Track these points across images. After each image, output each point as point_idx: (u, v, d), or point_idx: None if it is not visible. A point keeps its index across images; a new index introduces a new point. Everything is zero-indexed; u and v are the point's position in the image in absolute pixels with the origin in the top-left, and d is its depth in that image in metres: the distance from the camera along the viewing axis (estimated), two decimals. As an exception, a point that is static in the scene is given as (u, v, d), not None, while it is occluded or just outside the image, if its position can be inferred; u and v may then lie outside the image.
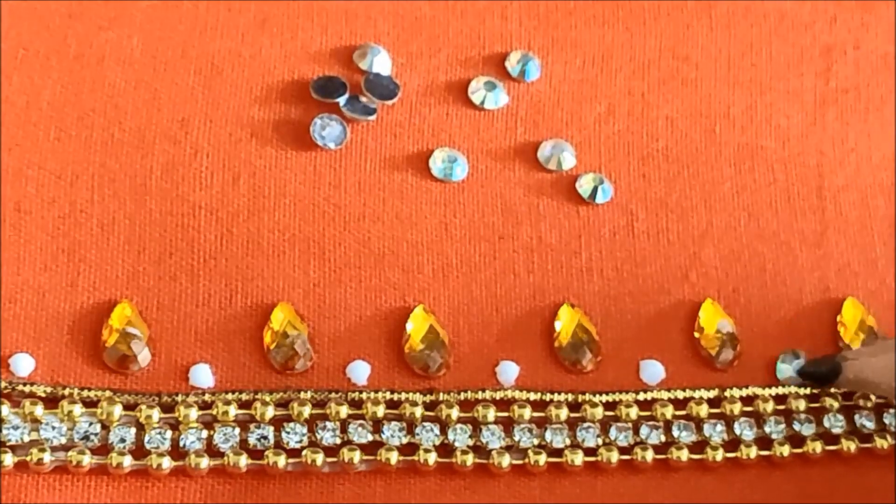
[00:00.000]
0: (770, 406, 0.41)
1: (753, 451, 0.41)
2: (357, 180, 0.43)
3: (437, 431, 0.40)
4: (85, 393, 0.39)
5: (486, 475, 0.40)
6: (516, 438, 0.40)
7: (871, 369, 0.39)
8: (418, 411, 0.40)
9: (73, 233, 0.41)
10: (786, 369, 0.42)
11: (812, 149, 0.46)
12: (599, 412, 0.41)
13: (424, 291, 0.42)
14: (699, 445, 0.41)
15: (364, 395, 0.40)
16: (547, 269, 0.43)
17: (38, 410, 0.39)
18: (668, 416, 0.41)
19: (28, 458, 0.38)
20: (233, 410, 0.40)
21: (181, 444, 0.39)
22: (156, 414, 0.39)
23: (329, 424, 0.40)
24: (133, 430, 0.39)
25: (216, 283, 0.41)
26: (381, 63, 0.44)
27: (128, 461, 0.39)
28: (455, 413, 0.40)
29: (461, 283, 0.42)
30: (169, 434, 0.39)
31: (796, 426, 0.42)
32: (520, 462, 0.40)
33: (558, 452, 0.40)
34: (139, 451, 0.39)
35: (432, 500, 0.40)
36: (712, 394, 0.41)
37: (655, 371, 0.42)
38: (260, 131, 0.43)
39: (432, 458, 0.40)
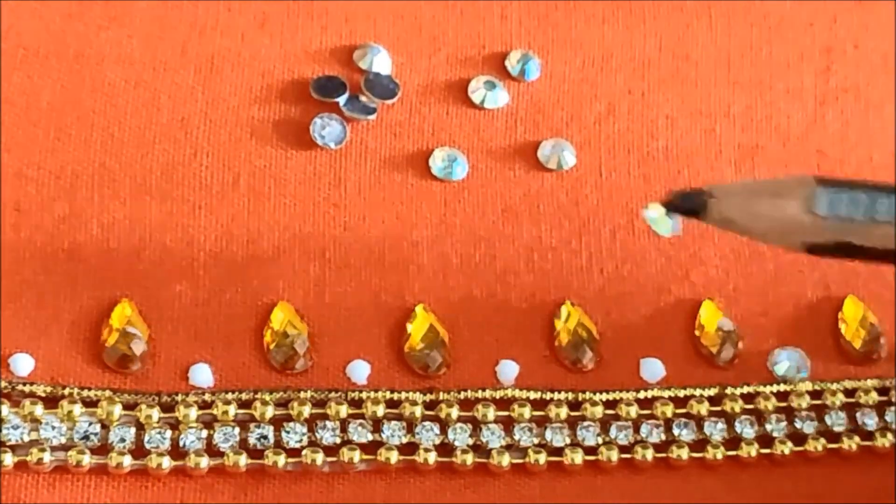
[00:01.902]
0: (771, 404, 0.41)
1: (754, 450, 0.41)
2: (357, 180, 0.43)
3: (436, 431, 0.40)
4: (85, 393, 0.39)
5: (486, 474, 0.40)
6: (516, 437, 0.40)
7: (738, 211, 0.37)
8: (418, 411, 0.40)
9: (73, 233, 0.41)
10: (784, 367, 0.42)
11: (812, 148, 0.45)
12: (600, 411, 0.41)
13: (424, 291, 0.42)
14: (700, 444, 0.41)
15: (364, 395, 0.40)
16: (547, 269, 0.43)
17: (38, 410, 0.39)
18: (669, 415, 0.41)
19: (28, 458, 0.38)
20: (232, 410, 0.40)
21: (181, 443, 0.39)
22: (156, 414, 0.39)
23: (329, 424, 0.40)
24: (133, 430, 0.39)
25: (216, 283, 0.41)
26: (381, 63, 0.44)
27: (128, 461, 0.39)
28: (455, 412, 0.40)
29: (461, 282, 0.42)
30: (169, 434, 0.39)
31: (797, 424, 0.42)
32: (520, 461, 0.40)
33: (558, 451, 0.40)
34: (139, 451, 0.39)
35: (432, 500, 0.40)
36: (713, 392, 0.41)
37: (656, 369, 0.42)
38: (260, 131, 0.43)
39: (432, 457, 0.40)
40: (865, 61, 0.47)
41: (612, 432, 0.41)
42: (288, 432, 0.40)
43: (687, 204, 0.37)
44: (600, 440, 0.41)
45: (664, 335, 0.42)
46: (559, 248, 0.43)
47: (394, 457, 0.40)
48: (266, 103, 0.43)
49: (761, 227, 0.37)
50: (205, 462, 0.39)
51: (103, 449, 0.39)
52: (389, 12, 0.45)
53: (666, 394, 0.41)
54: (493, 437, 0.40)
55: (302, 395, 0.40)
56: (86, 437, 0.39)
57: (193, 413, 0.39)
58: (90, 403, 0.39)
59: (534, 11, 0.46)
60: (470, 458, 0.40)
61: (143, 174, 0.42)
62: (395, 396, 0.40)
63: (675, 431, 0.41)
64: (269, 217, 0.42)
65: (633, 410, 0.41)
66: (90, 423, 0.39)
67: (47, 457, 0.38)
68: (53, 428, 0.39)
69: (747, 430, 0.41)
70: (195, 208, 0.42)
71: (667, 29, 0.46)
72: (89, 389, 0.39)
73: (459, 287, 0.42)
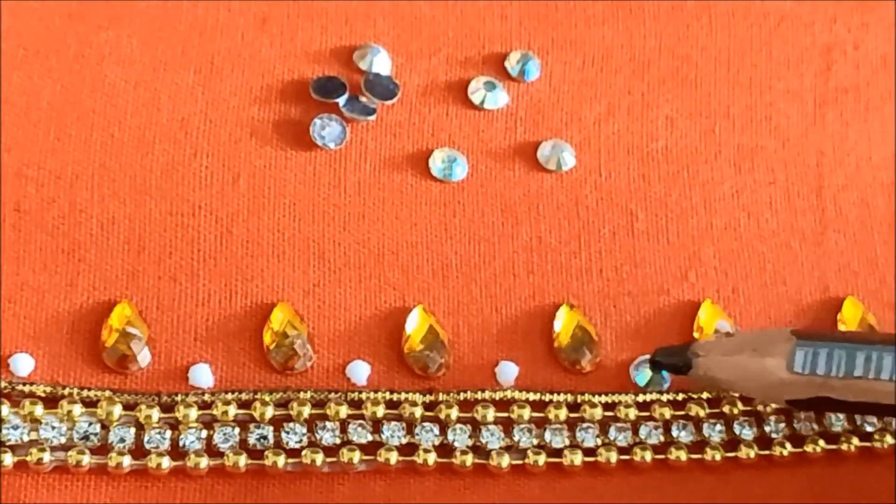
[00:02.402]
0: (771, 405, 0.41)
1: (753, 451, 0.41)
2: (357, 180, 0.43)
3: (436, 431, 0.40)
4: (85, 393, 0.39)
5: (485, 475, 0.40)
6: (516, 438, 0.40)
7: (720, 369, 0.39)
8: (418, 411, 0.40)
9: (73, 233, 0.41)
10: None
11: (812, 149, 0.46)
12: (599, 412, 0.41)
13: (424, 291, 0.42)
14: (699, 445, 0.41)
15: (364, 395, 0.40)
16: (546, 270, 0.43)
17: (38, 410, 0.39)
18: (668, 416, 0.41)
19: (28, 458, 0.38)
20: (232, 410, 0.40)
21: (181, 443, 0.39)
22: (155, 414, 0.39)
23: (329, 424, 0.40)
24: (133, 430, 0.39)
25: (216, 283, 0.41)
26: (380, 63, 0.44)
27: (127, 461, 0.39)
28: (455, 413, 0.40)
29: (461, 283, 0.42)
30: (168, 434, 0.39)
31: (796, 425, 0.42)
32: (519, 462, 0.40)
33: (558, 453, 0.40)
34: (139, 451, 0.39)
35: (432, 500, 0.40)
36: (712, 393, 0.41)
37: (655, 371, 0.42)
38: (260, 131, 0.43)
39: (432, 458, 0.40)
40: (865, 61, 0.47)
41: (612, 434, 0.41)
42: (288, 433, 0.40)
43: (672, 362, 0.39)
44: (599, 441, 0.41)
45: (663, 337, 0.42)
46: (559, 249, 0.43)
47: (393, 457, 0.40)
48: (266, 103, 0.43)
49: (744, 385, 0.39)
50: (205, 462, 0.39)
51: (103, 449, 0.39)
52: (389, 12, 0.45)
53: (665, 396, 0.41)
54: (493, 438, 0.40)
55: (302, 395, 0.40)
56: (86, 438, 0.39)
57: (193, 413, 0.39)
58: (90, 403, 0.39)
59: (534, 11, 0.46)
60: (469, 459, 0.40)
61: (143, 174, 0.42)
62: (395, 397, 0.40)
63: (674, 433, 0.41)
64: (269, 217, 0.42)
65: (632, 412, 0.41)
66: (90, 424, 0.39)
67: (47, 457, 0.39)
68: (53, 428, 0.39)
69: (746, 431, 0.41)
70: (195, 208, 0.42)
71: (667, 29, 0.46)
72: (89, 389, 0.39)
73: (459, 287, 0.42)
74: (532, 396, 0.41)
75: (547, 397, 0.41)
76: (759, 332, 0.41)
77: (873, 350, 0.38)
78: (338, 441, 0.40)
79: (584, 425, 0.41)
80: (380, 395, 0.40)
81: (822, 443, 0.41)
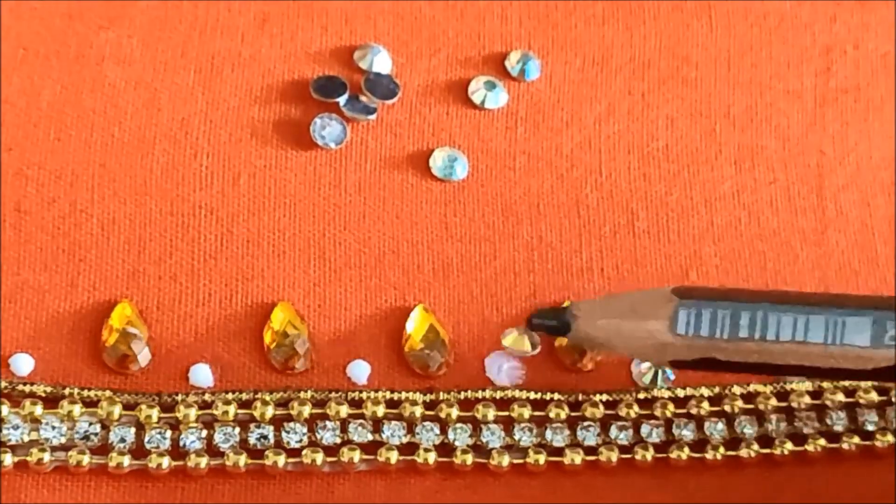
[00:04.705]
0: (771, 404, 0.41)
1: (754, 450, 0.41)
2: (357, 180, 0.43)
3: (437, 431, 0.40)
4: (85, 393, 0.39)
5: (486, 474, 0.40)
6: (516, 438, 0.40)
7: (601, 331, 0.38)
8: (418, 411, 0.40)
9: (73, 233, 0.41)
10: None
11: (812, 149, 0.46)
12: (599, 411, 0.41)
13: (424, 291, 0.42)
14: (700, 444, 0.41)
15: (364, 395, 0.40)
16: (547, 269, 0.43)
17: (38, 410, 0.39)
18: (669, 415, 0.41)
19: (28, 458, 0.38)
20: (233, 410, 0.40)
21: (181, 443, 0.39)
22: (156, 414, 0.39)
23: (329, 424, 0.40)
24: (133, 430, 0.39)
25: (216, 283, 0.41)
26: (381, 63, 0.44)
27: (128, 461, 0.39)
28: (455, 412, 0.40)
29: (461, 282, 0.42)
30: (169, 434, 0.39)
31: (797, 424, 0.42)
32: (520, 461, 0.40)
33: (558, 452, 0.40)
34: (139, 451, 0.39)
35: (432, 500, 0.40)
36: (713, 392, 0.41)
37: (656, 370, 0.42)
38: (260, 131, 0.43)
39: (432, 457, 0.40)
40: (865, 61, 0.47)
41: (613, 432, 0.41)
42: (288, 432, 0.40)
43: (549, 324, 0.39)
44: (600, 440, 0.41)
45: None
46: (559, 248, 0.43)
47: (394, 457, 0.40)
48: (266, 103, 0.43)
49: (627, 347, 0.38)
50: (205, 462, 0.39)
51: (103, 449, 0.39)
52: (389, 12, 0.45)
53: (666, 394, 0.41)
54: (493, 437, 0.40)
55: (302, 395, 0.40)
56: (86, 438, 0.39)
57: (193, 413, 0.39)
58: (90, 403, 0.39)
59: (534, 11, 0.46)
60: (470, 458, 0.40)
61: (143, 174, 0.42)
62: (395, 396, 0.40)
63: (675, 432, 0.41)
64: (269, 217, 0.42)
65: (634, 410, 0.41)
66: (90, 424, 0.39)
67: (47, 457, 0.39)
68: (53, 428, 0.39)
69: (747, 429, 0.41)
70: (195, 208, 0.42)
71: (667, 29, 0.46)
72: (89, 389, 0.39)
73: (459, 287, 0.42)
74: (533, 395, 0.41)
75: (548, 396, 0.41)
76: (640, 293, 0.40)
77: (758, 309, 0.37)
78: (338, 440, 0.40)
79: (585, 424, 0.41)
80: (380, 394, 0.40)
81: (822, 442, 0.41)
